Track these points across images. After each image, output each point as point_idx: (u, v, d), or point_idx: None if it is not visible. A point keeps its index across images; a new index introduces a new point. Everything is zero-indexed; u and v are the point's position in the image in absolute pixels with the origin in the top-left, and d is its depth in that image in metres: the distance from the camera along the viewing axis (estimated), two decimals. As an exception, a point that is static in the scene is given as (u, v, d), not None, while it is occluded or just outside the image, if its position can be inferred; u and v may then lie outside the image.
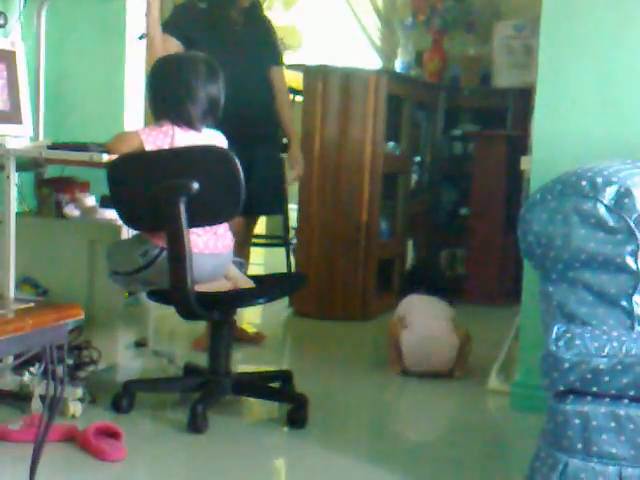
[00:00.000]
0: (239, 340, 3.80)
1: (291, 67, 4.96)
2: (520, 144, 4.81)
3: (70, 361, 2.97)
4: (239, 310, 3.65)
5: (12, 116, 3.29)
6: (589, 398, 1.93)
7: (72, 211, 3.47)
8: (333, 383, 3.49)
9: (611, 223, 1.98)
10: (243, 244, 3.71)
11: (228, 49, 3.62)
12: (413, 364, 3.57)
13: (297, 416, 2.88)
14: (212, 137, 2.89)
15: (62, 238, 3.35)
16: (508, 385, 3.24)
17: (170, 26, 3.57)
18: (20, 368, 2.86)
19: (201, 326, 3.68)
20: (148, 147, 2.77)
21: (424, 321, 3.63)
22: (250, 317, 4.63)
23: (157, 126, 2.83)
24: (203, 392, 2.91)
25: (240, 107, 3.47)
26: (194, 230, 2.75)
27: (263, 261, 6.16)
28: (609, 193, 1.99)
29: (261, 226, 6.93)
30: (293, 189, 4.58)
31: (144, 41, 3.54)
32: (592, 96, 2.99)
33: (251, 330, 4.16)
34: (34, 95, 3.57)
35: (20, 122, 3.32)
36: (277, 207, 4.08)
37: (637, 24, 2.94)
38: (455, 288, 5.27)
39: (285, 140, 3.94)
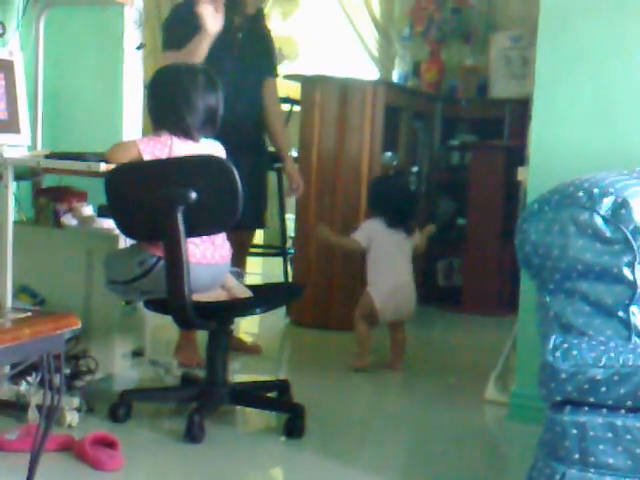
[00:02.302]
0: (237, 350, 3.80)
1: (289, 77, 4.97)
2: (517, 154, 4.81)
3: (67, 370, 2.97)
4: (236, 320, 3.64)
5: (10, 125, 3.29)
6: (586, 409, 1.93)
7: (69, 220, 3.47)
8: (330, 393, 3.48)
9: (608, 234, 1.99)
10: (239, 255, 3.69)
11: (227, 53, 3.61)
12: (385, 316, 3.70)
13: (294, 426, 2.88)
14: (210, 147, 2.90)
15: (59, 247, 3.34)
16: (506, 395, 3.24)
17: (177, 38, 3.51)
18: (17, 377, 2.85)
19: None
20: (146, 157, 2.77)
21: (392, 266, 3.70)
22: (247, 327, 4.63)
23: (155, 136, 2.83)
24: (200, 402, 2.91)
25: (229, 113, 3.45)
26: (191, 240, 2.75)
27: (261, 271, 6.16)
28: (606, 204, 1.99)
29: (258, 236, 6.94)
30: (290, 199, 4.59)
31: (142, 51, 3.55)
32: (589, 107, 3.00)
33: (248, 340, 4.16)
34: (32, 104, 3.57)
35: (18, 131, 3.33)
36: (257, 222, 3.88)
37: (633, 35, 2.95)
38: (452, 298, 5.31)
39: (272, 149, 3.90)
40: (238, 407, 3.13)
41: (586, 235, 2.00)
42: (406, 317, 3.75)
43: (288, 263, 5.19)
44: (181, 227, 2.66)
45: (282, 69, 4.04)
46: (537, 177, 3.00)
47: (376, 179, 4.14)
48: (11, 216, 2.87)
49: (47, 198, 3.48)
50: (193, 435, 2.76)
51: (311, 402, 3.03)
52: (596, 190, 2.01)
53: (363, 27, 5.98)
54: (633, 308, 2.00)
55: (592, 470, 1.91)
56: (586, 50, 2.99)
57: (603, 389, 1.90)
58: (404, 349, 3.73)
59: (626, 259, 1.98)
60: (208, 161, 2.79)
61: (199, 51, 3.34)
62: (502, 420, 3.20)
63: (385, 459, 2.81)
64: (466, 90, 5.61)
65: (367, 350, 3.72)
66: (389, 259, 3.72)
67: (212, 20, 3.27)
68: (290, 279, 5.01)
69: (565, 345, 1.97)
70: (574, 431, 1.92)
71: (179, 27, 3.51)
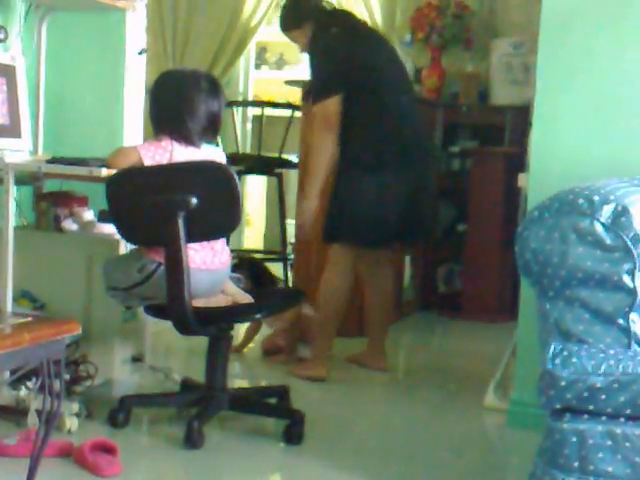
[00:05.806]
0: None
1: (289, 83, 4.98)
2: (518, 161, 4.81)
3: (67, 376, 2.97)
4: (237, 325, 3.64)
5: (11, 130, 3.30)
6: (586, 416, 1.93)
7: (70, 225, 3.48)
8: (330, 399, 3.48)
9: (608, 241, 1.99)
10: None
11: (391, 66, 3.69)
12: None
13: (293, 432, 2.88)
14: (211, 153, 2.90)
15: (60, 252, 3.35)
16: (505, 402, 3.24)
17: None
18: (17, 383, 2.85)
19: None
20: (147, 162, 2.78)
21: None
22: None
23: (156, 141, 2.84)
24: (199, 407, 2.91)
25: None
26: (191, 245, 2.75)
27: (261, 276, 6.14)
28: (606, 211, 2.00)
29: (259, 241, 6.94)
30: (290, 203, 4.58)
31: (143, 56, 3.55)
32: (589, 114, 3.00)
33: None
34: (34, 109, 3.58)
35: (19, 136, 3.33)
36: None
37: (634, 42, 2.95)
38: (452, 304, 5.31)
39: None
40: (237, 413, 3.13)
41: (586, 242, 2.00)
42: None
43: (288, 268, 5.19)
44: (182, 233, 2.66)
45: (283, 74, 4.02)
46: (537, 184, 3.00)
47: None
48: (12, 221, 2.87)
49: (48, 203, 3.49)
50: (192, 441, 2.76)
51: (310, 408, 3.03)
52: (596, 197, 2.01)
53: (364, 33, 5.97)
54: (633, 315, 2.00)
55: (591, 478, 1.91)
56: (587, 57, 2.99)
57: (603, 397, 1.90)
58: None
59: (626, 266, 1.99)
60: (209, 167, 2.79)
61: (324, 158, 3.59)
62: (501, 427, 3.19)
63: (384, 466, 2.81)
64: (467, 96, 5.61)
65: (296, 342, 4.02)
66: None
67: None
68: (290, 285, 5.00)
69: (565, 353, 1.97)
70: (573, 439, 1.92)
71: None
